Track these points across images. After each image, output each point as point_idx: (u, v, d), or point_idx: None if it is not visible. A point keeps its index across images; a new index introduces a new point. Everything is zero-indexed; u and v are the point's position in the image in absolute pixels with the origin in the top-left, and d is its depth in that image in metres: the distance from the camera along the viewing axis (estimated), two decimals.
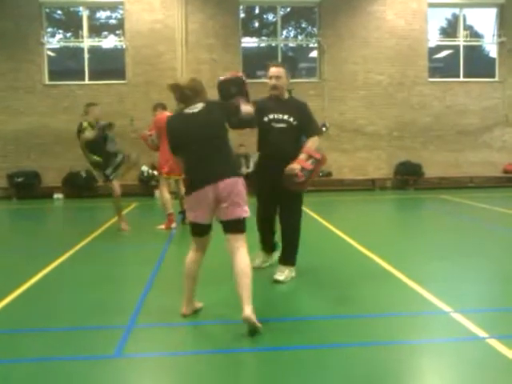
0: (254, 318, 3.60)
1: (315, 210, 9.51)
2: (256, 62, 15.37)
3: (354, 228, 7.85)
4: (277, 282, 4.99)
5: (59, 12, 14.91)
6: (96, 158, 7.73)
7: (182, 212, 8.07)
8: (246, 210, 3.97)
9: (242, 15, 14.61)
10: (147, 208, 11.61)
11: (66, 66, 15.43)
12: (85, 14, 13.96)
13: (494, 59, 14.87)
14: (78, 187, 13.31)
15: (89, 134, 7.62)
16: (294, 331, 3.80)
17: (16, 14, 13.41)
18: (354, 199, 12.10)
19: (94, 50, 14.42)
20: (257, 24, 15.74)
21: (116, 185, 7.89)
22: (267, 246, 5.53)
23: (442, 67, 16.09)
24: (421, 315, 4.14)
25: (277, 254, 5.41)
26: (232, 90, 4.59)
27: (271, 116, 4.99)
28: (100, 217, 10.65)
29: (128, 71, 13.76)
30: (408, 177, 14.08)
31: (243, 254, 3.86)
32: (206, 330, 3.87)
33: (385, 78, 14.19)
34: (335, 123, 13.82)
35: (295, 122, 4.94)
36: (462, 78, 14.66)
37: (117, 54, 14.29)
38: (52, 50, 14.32)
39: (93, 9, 14.38)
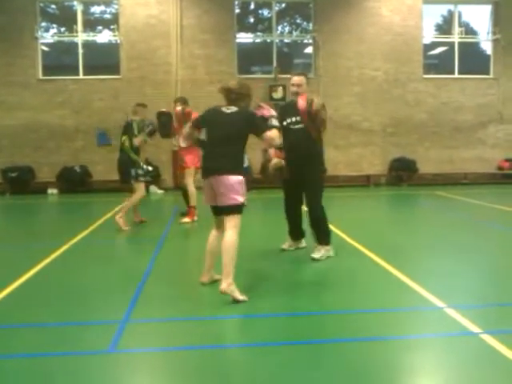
0: (229, 291, 4.22)
1: None
2: (251, 57, 15.35)
3: (348, 224, 7.86)
4: (313, 260, 5.59)
5: (53, 6, 14.82)
6: (135, 156, 7.81)
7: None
8: (235, 199, 4.44)
9: (237, 11, 14.57)
10: (142, 203, 11.56)
11: (60, 60, 15.35)
12: (79, 8, 13.88)
13: (488, 56, 14.90)
14: (72, 182, 13.26)
15: (141, 138, 7.84)
16: (288, 326, 3.81)
17: (10, 8, 13.32)
18: (348, 195, 12.12)
19: (88, 45, 14.34)
20: (252, 19, 15.70)
21: (143, 186, 8.01)
22: (294, 234, 6.13)
23: (437, 64, 16.11)
24: (414, 310, 4.16)
25: (304, 241, 6.14)
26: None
27: (289, 120, 5.62)
28: (94, 212, 10.63)
29: (122, 66, 13.71)
30: (402, 173, 14.11)
31: (229, 234, 4.41)
32: (201, 325, 3.87)
33: (380, 74, 14.20)
34: (329, 119, 13.75)
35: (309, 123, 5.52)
36: (456, 75, 14.68)
37: (111, 49, 14.22)
38: (46, 44, 14.23)
39: (87, 3, 14.29)
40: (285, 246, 6.17)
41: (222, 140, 4.50)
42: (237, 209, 4.46)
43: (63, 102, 13.56)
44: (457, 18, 14.70)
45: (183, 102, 8.34)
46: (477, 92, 14.51)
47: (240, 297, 4.25)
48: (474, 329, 3.62)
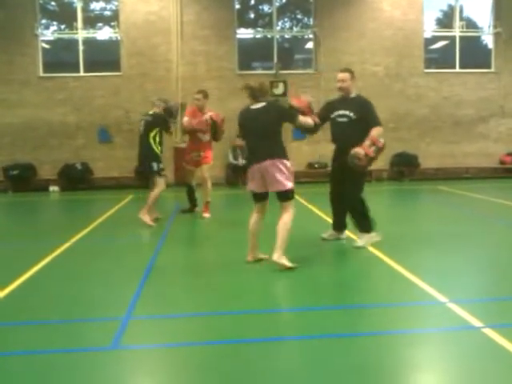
0: (279, 261, 4.95)
1: (312, 200, 9.53)
2: (251, 53, 15.32)
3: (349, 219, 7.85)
4: (357, 248, 5.87)
5: (53, 3, 14.81)
6: (159, 150, 7.77)
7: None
8: (284, 185, 5.04)
9: (238, 6, 14.53)
10: (143, 200, 11.56)
11: (60, 58, 15.33)
12: (79, 5, 13.86)
13: (489, 50, 14.85)
14: (73, 180, 13.27)
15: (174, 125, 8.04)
16: (290, 322, 3.82)
17: (9, 5, 13.30)
18: None
19: (88, 42, 14.33)
20: (252, 15, 15.67)
21: (164, 181, 7.92)
22: (336, 225, 6.36)
23: (438, 58, 16.07)
24: (416, 305, 4.16)
25: (345, 233, 6.34)
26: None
27: (336, 113, 6.02)
28: (96, 209, 10.64)
29: (123, 63, 13.69)
30: (404, 168, 14.08)
31: (284, 216, 5.11)
32: (203, 322, 3.88)
33: (381, 69, 14.16)
34: None
35: (355, 117, 5.89)
36: (457, 69, 14.63)
37: (112, 46, 14.21)
38: (46, 41, 14.21)
39: (87, 0, 14.27)
40: (325, 234, 6.40)
41: (258, 134, 5.10)
42: (287, 194, 5.12)
43: (64, 99, 13.55)
44: (458, 12, 14.64)
45: (205, 95, 8.27)
46: (478, 86, 14.47)
47: (289, 264, 4.98)
48: (476, 323, 3.62)
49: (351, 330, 3.62)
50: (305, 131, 6.11)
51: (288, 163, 5.10)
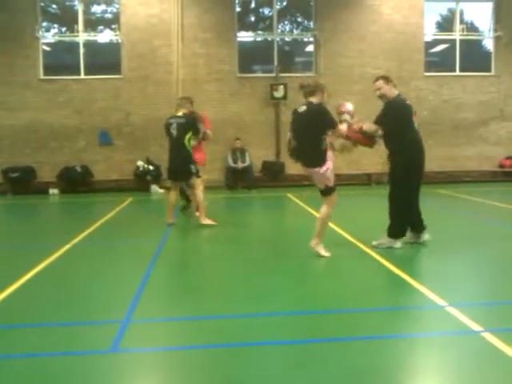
0: (315, 248, 5.62)
1: (310, 204, 9.52)
2: (252, 56, 15.33)
3: (348, 222, 7.86)
4: (372, 246, 6.01)
5: (54, 6, 14.83)
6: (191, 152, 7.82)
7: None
8: (324, 183, 5.63)
9: (238, 9, 14.56)
10: (143, 203, 11.60)
11: (61, 60, 15.34)
12: (80, 8, 13.88)
13: (490, 53, 14.87)
14: (73, 182, 13.27)
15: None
16: (289, 325, 3.81)
17: (11, 7, 13.33)
18: (349, 193, 12.10)
19: (89, 45, 14.35)
20: (253, 18, 15.68)
21: (200, 181, 7.93)
22: (413, 228, 6.28)
23: (439, 61, 16.08)
24: (415, 309, 4.16)
25: (426, 235, 6.26)
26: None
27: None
28: (96, 212, 10.64)
29: (124, 66, 13.71)
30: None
31: (323, 208, 5.70)
32: (203, 325, 3.87)
33: (381, 73, 14.12)
34: None
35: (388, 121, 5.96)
36: (458, 73, 14.65)
37: (112, 49, 14.23)
38: (47, 44, 14.23)
39: (88, 3, 14.28)
40: (404, 239, 6.29)
41: (300, 137, 5.59)
42: (326, 190, 5.64)
43: (64, 101, 13.57)
44: (458, 16, 14.66)
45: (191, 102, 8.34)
46: (478, 89, 14.49)
47: (324, 253, 5.59)
48: (475, 327, 3.61)
49: (350, 334, 3.61)
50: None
51: (322, 169, 5.56)
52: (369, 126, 5.98)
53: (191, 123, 7.71)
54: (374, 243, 6.05)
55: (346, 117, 5.58)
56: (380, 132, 5.99)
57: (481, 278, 5.15)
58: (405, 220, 6.12)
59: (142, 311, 4.15)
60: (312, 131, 5.47)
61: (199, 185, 7.81)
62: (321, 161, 5.51)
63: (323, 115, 5.49)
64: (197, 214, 8.37)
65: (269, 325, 3.83)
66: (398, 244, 6.04)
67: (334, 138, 5.68)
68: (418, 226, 6.26)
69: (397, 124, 5.94)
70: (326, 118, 5.49)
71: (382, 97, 6.08)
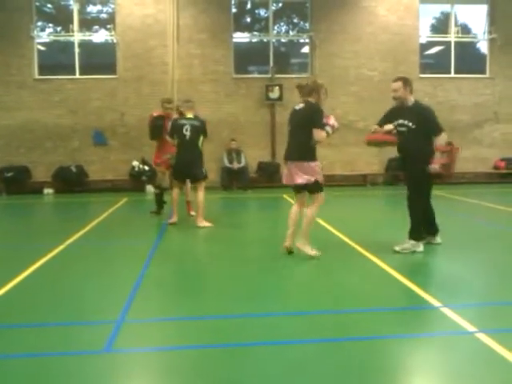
0: (303, 248, 5.64)
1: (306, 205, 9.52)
2: (248, 57, 15.34)
3: (343, 223, 7.87)
4: (394, 251, 5.89)
5: (49, 6, 14.79)
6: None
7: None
8: (304, 178, 5.57)
9: (234, 10, 14.56)
10: (138, 203, 11.58)
11: (56, 60, 15.30)
12: (75, 7, 13.84)
13: (484, 55, 14.93)
14: (68, 182, 13.23)
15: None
16: (284, 326, 3.81)
17: (6, 7, 13.28)
18: (344, 194, 12.13)
19: (84, 45, 14.32)
20: (249, 19, 15.69)
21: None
22: (426, 230, 6.27)
23: (433, 63, 16.13)
24: (410, 310, 4.17)
25: (439, 238, 6.32)
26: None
27: (396, 122, 6.01)
28: (91, 211, 10.62)
29: (119, 66, 13.69)
30: (399, 172, 14.08)
31: (311, 207, 5.76)
32: (196, 326, 3.87)
33: (376, 74, 14.20)
34: None
35: (413, 126, 5.88)
36: (452, 74, 14.71)
37: (108, 49, 14.20)
38: (42, 44, 14.19)
39: (83, 3, 14.25)
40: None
41: (292, 134, 5.71)
42: (315, 189, 5.64)
43: (59, 101, 13.53)
44: (453, 18, 14.72)
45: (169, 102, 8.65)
46: (473, 92, 14.54)
47: (312, 252, 5.60)
48: (470, 328, 3.62)
49: (344, 335, 3.61)
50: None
51: (310, 164, 5.62)
52: (441, 139, 5.94)
53: (204, 126, 7.86)
54: (397, 248, 5.93)
55: (328, 128, 5.61)
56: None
57: (475, 279, 5.16)
58: (423, 222, 6.14)
59: (137, 311, 4.14)
60: (305, 126, 5.55)
61: (203, 186, 7.89)
62: (311, 155, 5.60)
63: (316, 113, 5.56)
64: (192, 213, 8.42)
65: (265, 325, 3.82)
66: (421, 247, 5.99)
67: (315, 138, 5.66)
68: (435, 227, 6.36)
69: (430, 127, 5.89)
70: (317, 116, 5.55)
71: (397, 99, 6.01)
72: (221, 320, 3.94)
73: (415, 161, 5.95)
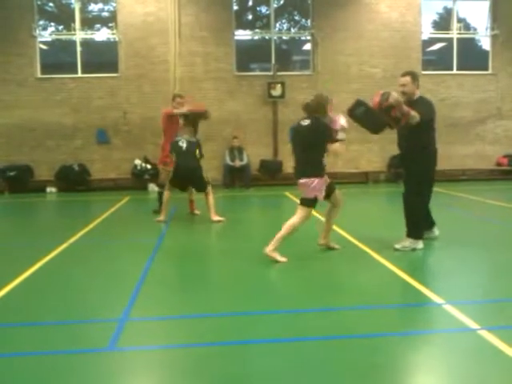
0: (269, 254, 5.41)
1: None
2: (249, 54, 15.33)
3: (346, 220, 7.86)
4: (395, 249, 5.85)
5: (51, 4, 14.79)
6: None
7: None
8: (306, 195, 5.50)
9: (236, 8, 14.54)
10: (140, 201, 11.58)
11: (58, 59, 15.30)
12: (77, 6, 13.83)
13: (487, 52, 14.88)
14: (70, 181, 13.23)
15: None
16: (287, 323, 3.82)
17: (7, 6, 13.29)
18: (346, 192, 12.09)
19: (86, 43, 14.32)
20: (250, 17, 15.68)
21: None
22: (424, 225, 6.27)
23: (436, 60, 16.09)
24: (412, 307, 4.17)
25: (437, 231, 6.38)
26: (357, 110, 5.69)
27: None
28: (93, 210, 10.64)
29: (121, 64, 13.68)
30: (401, 170, 14.05)
31: (293, 217, 5.57)
32: (200, 323, 3.88)
33: (378, 71, 14.17)
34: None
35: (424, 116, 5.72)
36: (455, 71, 14.66)
37: (109, 47, 14.20)
38: (44, 42, 14.19)
39: (85, 1, 14.25)
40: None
41: (299, 150, 5.54)
42: (303, 201, 5.54)
43: (61, 100, 13.54)
44: (455, 14, 14.68)
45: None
46: (475, 88, 14.49)
47: (280, 258, 5.40)
48: (473, 325, 3.63)
49: (347, 332, 3.62)
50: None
51: (313, 180, 5.44)
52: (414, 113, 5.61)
53: (199, 145, 8.02)
54: (398, 246, 5.90)
55: (341, 136, 5.42)
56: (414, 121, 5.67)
57: (478, 275, 5.16)
58: (423, 220, 6.13)
59: (140, 309, 4.16)
60: (316, 145, 5.42)
61: (210, 191, 8.09)
62: (315, 172, 5.44)
63: (326, 128, 5.42)
64: (196, 212, 8.51)
65: (268, 322, 3.83)
66: (421, 245, 5.97)
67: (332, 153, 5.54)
68: (430, 220, 6.39)
69: (431, 120, 5.94)
70: (328, 131, 5.40)
71: (406, 94, 5.94)
72: (224, 317, 3.95)
73: (413, 156, 5.95)
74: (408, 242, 5.92)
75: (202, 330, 3.72)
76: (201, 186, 8.12)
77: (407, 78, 5.99)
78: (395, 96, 5.42)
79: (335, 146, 5.40)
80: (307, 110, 5.58)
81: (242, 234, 7.57)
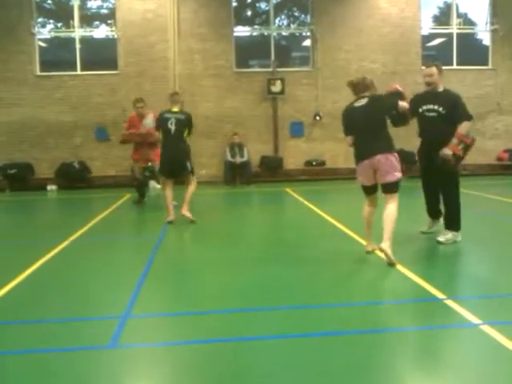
0: (388, 251, 4.98)
1: (308, 198, 9.52)
2: (249, 51, 15.30)
3: (347, 215, 7.85)
4: (438, 243, 5.88)
5: (49, 2, 14.78)
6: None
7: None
8: (395, 176, 5.25)
9: (235, 4, 14.51)
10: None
11: (57, 56, 15.30)
12: (76, 3, 13.82)
13: (487, 47, 14.86)
14: (71, 178, 13.25)
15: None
16: (289, 320, 3.82)
17: (6, 3, 13.27)
18: (348, 187, 12.09)
19: (85, 41, 14.30)
20: (249, 13, 15.65)
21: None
22: (431, 213, 6.46)
23: (436, 55, 16.06)
24: (414, 302, 4.16)
25: (441, 220, 6.30)
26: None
27: (424, 107, 5.99)
28: (94, 208, 10.63)
29: (120, 61, 13.67)
30: (401, 165, 14.04)
31: (390, 206, 5.25)
32: (202, 320, 3.88)
33: (378, 67, 14.15)
34: (328, 112, 13.80)
35: (444, 111, 5.82)
36: (455, 66, 14.64)
37: (109, 44, 14.18)
38: (43, 40, 14.18)
39: None
40: (423, 228, 6.51)
41: (366, 131, 5.26)
42: (394, 185, 5.27)
43: (61, 97, 13.53)
44: (455, 9, 14.65)
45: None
46: (475, 83, 14.48)
47: (392, 258, 5.03)
48: (475, 320, 3.62)
49: (347, 328, 3.61)
50: (399, 121, 5.61)
51: (396, 156, 5.32)
52: (463, 127, 5.76)
53: (189, 121, 7.68)
54: (441, 239, 5.92)
55: (402, 104, 5.33)
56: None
57: (480, 270, 5.15)
58: (459, 209, 6.07)
59: (142, 306, 4.15)
60: (383, 118, 5.30)
61: (194, 182, 7.86)
62: (391, 146, 5.32)
63: (386, 98, 5.41)
64: (183, 211, 8.47)
65: (270, 319, 3.83)
66: (460, 237, 6.04)
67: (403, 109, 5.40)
68: (439, 211, 6.45)
69: (457, 114, 5.80)
70: (390, 99, 5.36)
71: (431, 84, 5.95)
72: (225, 314, 3.95)
73: (445, 147, 5.80)
74: (450, 235, 5.97)
75: (204, 327, 3.71)
76: (182, 170, 7.69)
77: (433, 69, 6.02)
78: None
79: (400, 104, 5.29)
80: (356, 87, 5.40)
81: (244, 231, 7.56)
